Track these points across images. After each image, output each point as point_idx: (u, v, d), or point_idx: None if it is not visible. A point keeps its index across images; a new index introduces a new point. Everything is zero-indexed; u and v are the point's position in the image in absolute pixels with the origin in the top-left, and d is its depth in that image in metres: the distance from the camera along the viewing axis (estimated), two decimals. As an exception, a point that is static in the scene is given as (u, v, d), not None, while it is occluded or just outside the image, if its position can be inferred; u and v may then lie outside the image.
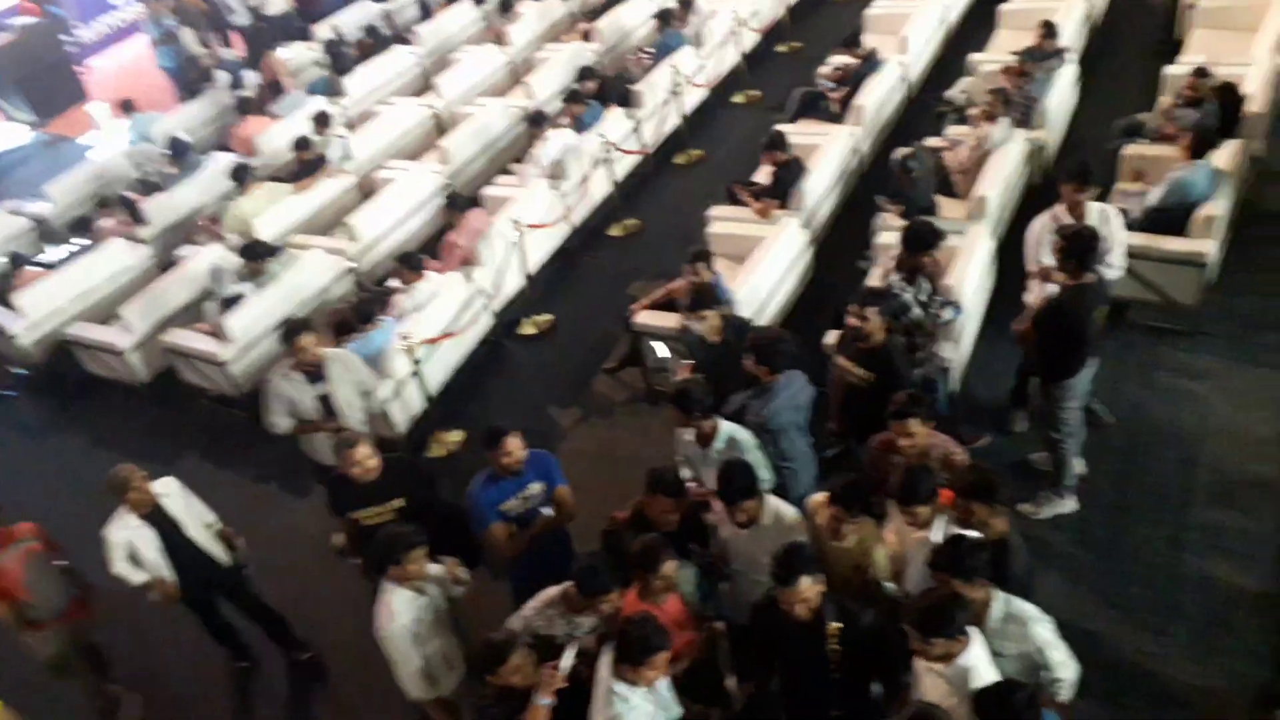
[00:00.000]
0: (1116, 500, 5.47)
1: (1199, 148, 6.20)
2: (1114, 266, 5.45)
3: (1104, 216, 5.44)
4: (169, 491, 5.15)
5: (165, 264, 8.91)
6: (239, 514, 6.63)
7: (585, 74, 9.47)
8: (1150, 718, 4.48)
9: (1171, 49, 8.69)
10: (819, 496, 4.37)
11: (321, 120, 9.68)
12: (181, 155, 9.84)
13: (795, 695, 4.17)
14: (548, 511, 4.70)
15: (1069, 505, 5.41)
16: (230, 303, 7.46)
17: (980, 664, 3.45)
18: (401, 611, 4.14)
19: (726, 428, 4.65)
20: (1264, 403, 5.80)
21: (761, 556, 4.21)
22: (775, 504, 4.29)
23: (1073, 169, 5.51)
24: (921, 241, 5.37)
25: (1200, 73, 6.93)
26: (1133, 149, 7.05)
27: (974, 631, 3.50)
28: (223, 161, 9.81)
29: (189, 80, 12.41)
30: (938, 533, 3.99)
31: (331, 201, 9.19)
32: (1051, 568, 5.10)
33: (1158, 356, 6.24)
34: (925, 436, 4.39)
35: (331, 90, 10.99)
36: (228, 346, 7.31)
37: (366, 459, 4.64)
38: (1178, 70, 7.51)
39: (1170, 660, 4.67)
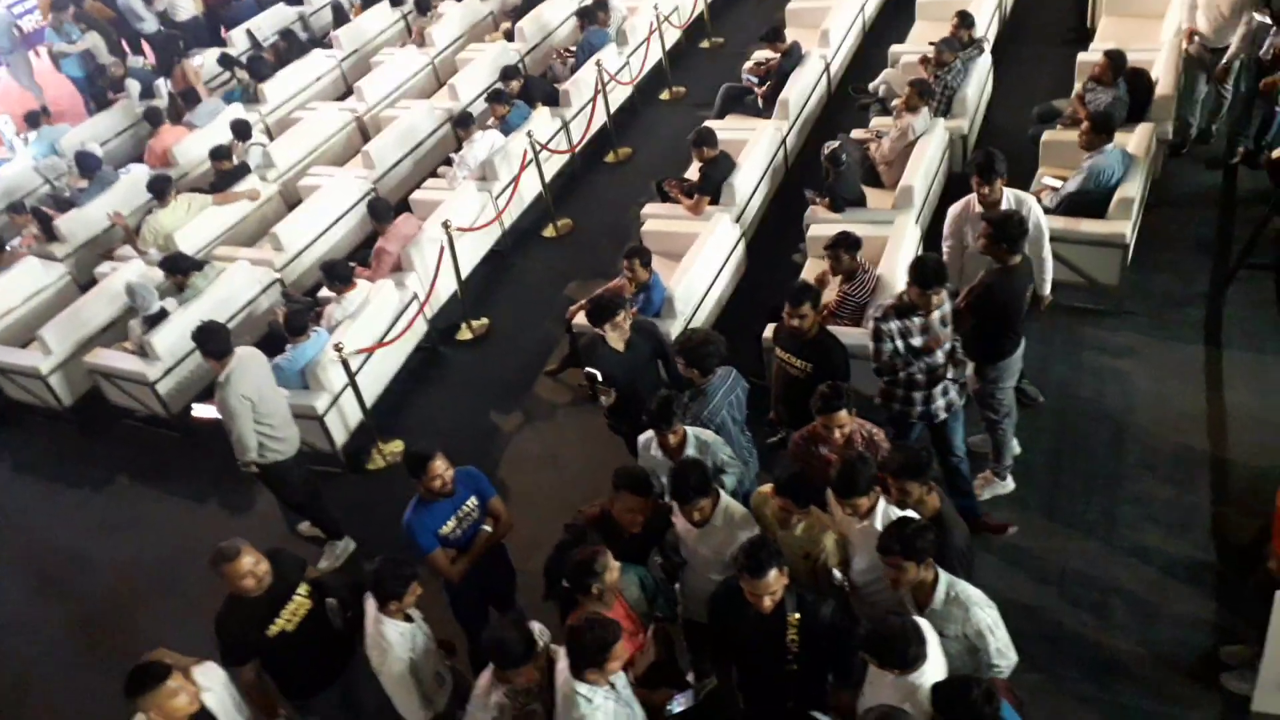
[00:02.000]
0: (1050, 478, 5.62)
1: (1101, 130, 6.35)
2: (1045, 253, 5.59)
3: (1020, 202, 5.52)
4: (211, 686, 4.02)
5: (83, 283, 8.62)
6: (179, 536, 6.53)
7: (509, 73, 9.40)
8: (1093, 689, 4.60)
9: (1084, 36, 8.97)
10: (765, 488, 4.41)
11: (241, 130, 9.45)
12: (90, 170, 9.48)
13: (752, 686, 4.20)
14: (486, 528, 4.66)
15: (1007, 486, 5.55)
16: (155, 320, 7.23)
17: (935, 674, 3.46)
18: (397, 643, 4.07)
19: (692, 434, 4.63)
20: (1185, 376, 6.03)
21: (711, 554, 4.27)
22: (725, 501, 4.30)
23: (979, 163, 5.49)
24: (930, 278, 4.73)
25: (1113, 55, 7.12)
26: (1050, 135, 7.26)
27: (930, 640, 3.49)
28: (139, 174, 9.51)
29: (98, 91, 11.99)
30: (879, 520, 4.06)
31: (255, 211, 8.98)
32: (991, 546, 5.23)
33: (1083, 336, 6.43)
34: (851, 425, 4.46)
35: (248, 97, 10.73)
36: (154, 365, 7.09)
37: (256, 565, 4.09)
38: (1091, 57, 7.74)
39: (1110, 631, 4.80)
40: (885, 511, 4.09)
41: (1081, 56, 7.98)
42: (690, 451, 4.59)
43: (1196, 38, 7.41)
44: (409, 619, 4.19)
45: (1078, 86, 7.55)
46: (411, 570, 4.09)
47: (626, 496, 4.25)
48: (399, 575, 4.04)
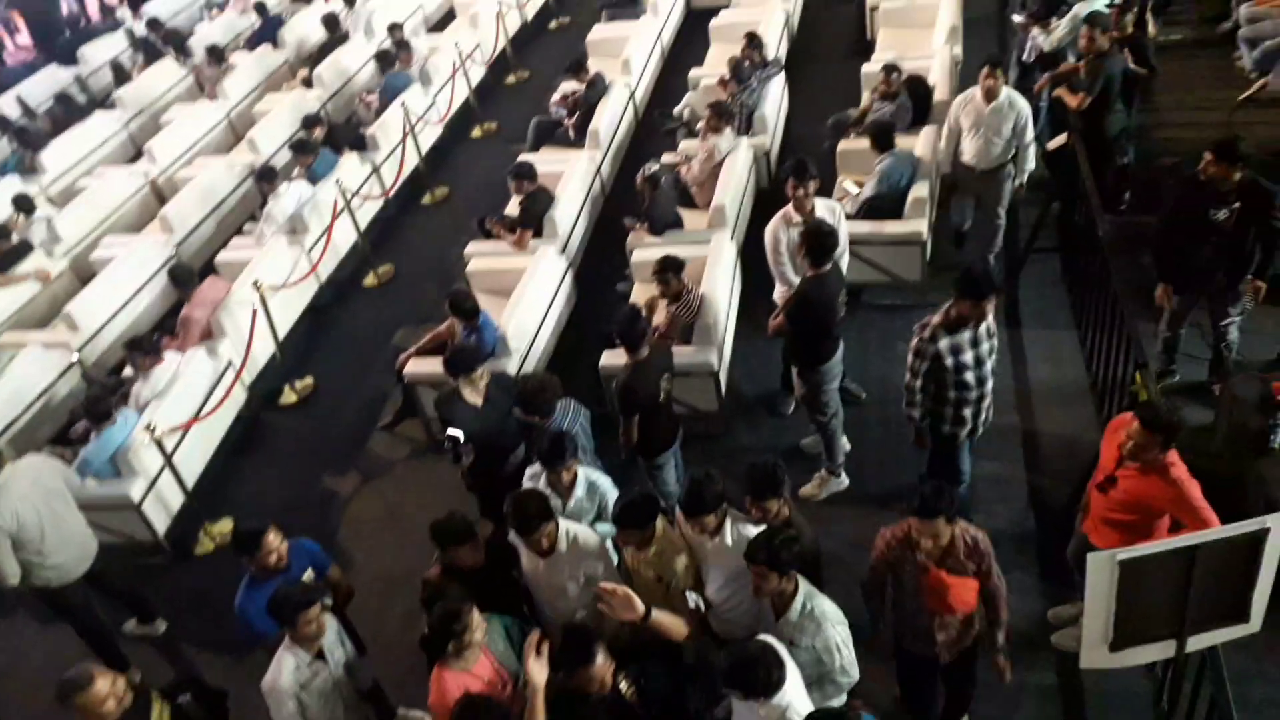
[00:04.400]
0: (882, 469, 5.88)
1: (881, 140, 6.83)
2: (843, 255, 5.82)
3: (831, 209, 5.85)
4: None
5: None
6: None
7: (310, 121, 9.13)
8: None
9: (866, 48, 9.52)
10: None
11: (23, 204, 8.75)
12: None
13: None
14: (326, 601, 4.45)
15: (843, 482, 5.77)
16: (-66, 421, 6.56)
17: (797, 699, 3.50)
18: (289, 671, 3.99)
19: (583, 474, 4.59)
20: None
21: (563, 583, 4.25)
22: (570, 528, 4.27)
23: (791, 167, 5.79)
24: (982, 288, 4.54)
25: (890, 69, 7.63)
26: (845, 144, 7.66)
27: (789, 666, 3.51)
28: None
29: None
30: (729, 536, 4.13)
31: (43, 291, 8.31)
32: (836, 541, 5.35)
33: (894, 331, 6.75)
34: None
35: (24, 168, 9.95)
36: (-61, 470, 6.42)
37: (114, 685, 3.76)
38: (873, 68, 8.22)
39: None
40: (734, 527, 4.15)
41: (865, 67, 8.47)
42: (579, 492, 4.56)
43: (961, 167, 6.90)
44: (321, 657, 4.06)
45: (865, 97, 8.00)
46: (304, 598, 3.94)
47: (453, 550, 4.24)
48: (290, 601, 3.92)
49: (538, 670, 3.67)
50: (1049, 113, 7.67)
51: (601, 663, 3.63)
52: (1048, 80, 7.36)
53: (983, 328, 4.67)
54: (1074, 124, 6.78)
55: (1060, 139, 6.95)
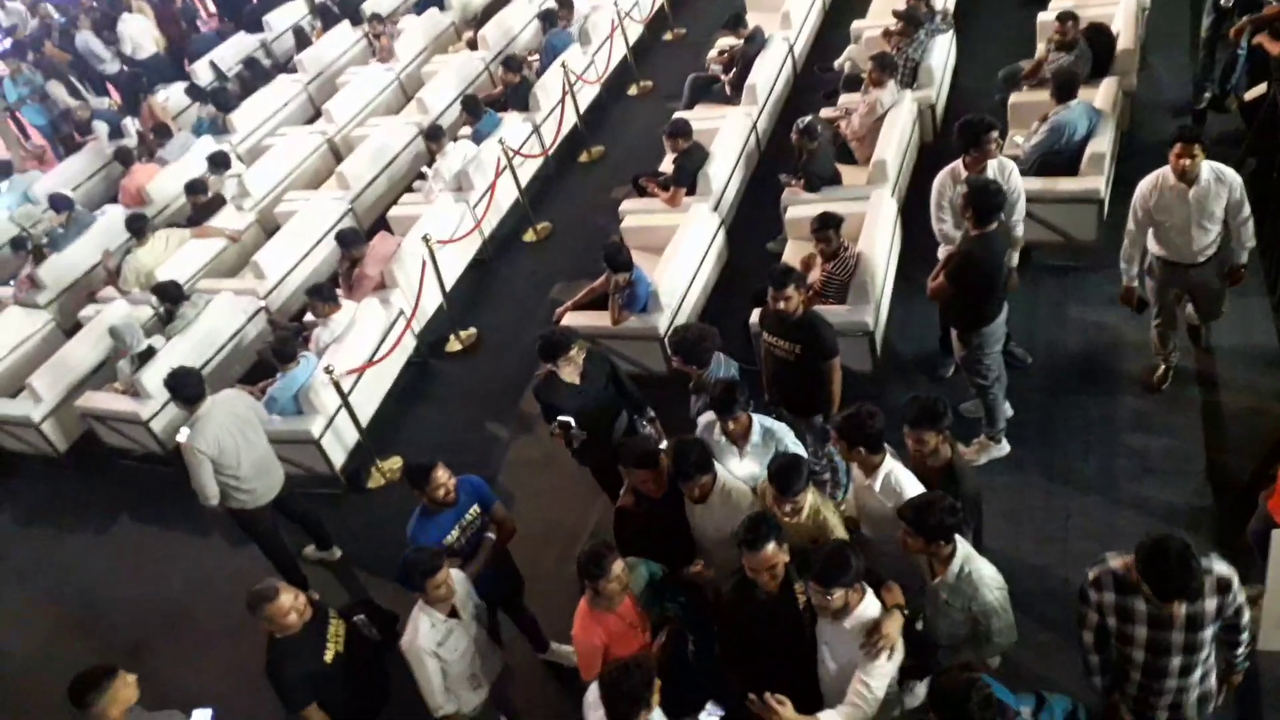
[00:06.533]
0: (1046, 437, 5.65)
1: (1063, 90, 6.44)
2: (1017, 216, 5.58)
3: (1001, 168, 5.53)
4: None
5: (68, 328, 8.60)
6: (187, 572, 6.57)
7: (514, 64, 9.52)
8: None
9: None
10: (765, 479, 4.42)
11: (219, 161, 9.45)
12: (65, 212, 9.47)
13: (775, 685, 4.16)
14: (490, 535, 4.69)
15: (1003, 449, 5.58)
16: (143, 358, 7.22)
17: (870, 610, 3.59)
18: (425, 631, 4.14)
19: (759, 422, 4.62)
20: (1170, 325, 6.06)
21: (711, 532, 4.32)
22: (725, 479, 4.33)
23: (967, 125, 5.49)
24: (1165, 575, 3.28)
25: (1066, 16, 7.20)
26: (1017, 97, 7.30)
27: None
28: (115, 215, 9.49)
29: (64, 136, 11.95)
30: (879, 482, 4.15)
31: (235, 242, 8.97)
32: (993, 510, 5.23)
33: (1066, 293, 6.46)
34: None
35: (217, 129, 10.72)
36: (146, 403, 7.08)
37: (297, 600, 4.09)
38: (1050, 16, 7.76)
39: (1115, 582, 4.82)
40: (890, 472, 4.15)
41: (1041, 16, 8.02)
42: (755, 439, 4.59)
43: (1162, 264, 5.41)
44: (455, 614, 4.22)
45: (1040, 47, 7.59)
46: (431, 564, 4.07)
47: (633, 473, 4.35)
48: (417, 567, 4.06)
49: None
50: (1247, 60, 7.08)
51: (771, 551, 3.66)
52: (1247, 24, 6.78)
53: (1175, 611, 3.35)
54: (1275, 72, 6.24)
55: (1259, 89, 6.42)
